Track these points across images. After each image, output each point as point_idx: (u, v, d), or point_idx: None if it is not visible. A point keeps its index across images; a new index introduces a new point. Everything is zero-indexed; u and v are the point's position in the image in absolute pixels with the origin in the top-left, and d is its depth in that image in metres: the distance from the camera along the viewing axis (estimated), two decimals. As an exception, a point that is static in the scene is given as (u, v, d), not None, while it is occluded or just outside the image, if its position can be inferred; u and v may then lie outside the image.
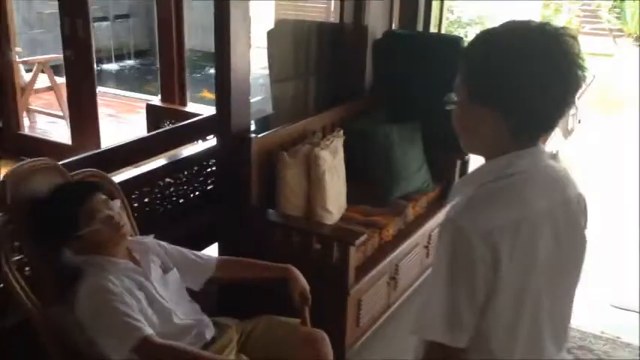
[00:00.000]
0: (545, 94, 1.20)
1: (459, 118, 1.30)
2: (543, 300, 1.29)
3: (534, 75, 1.18)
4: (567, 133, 5.52)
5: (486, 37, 1.26)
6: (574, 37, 1.20)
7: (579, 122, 6.07)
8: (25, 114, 5.07)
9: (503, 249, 1.19)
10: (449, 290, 1.21)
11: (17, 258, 2.09)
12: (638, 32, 10.05)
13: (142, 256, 2.11)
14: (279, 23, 3.78)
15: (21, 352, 2.19)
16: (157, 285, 2.06)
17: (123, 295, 1.91)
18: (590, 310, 3.29)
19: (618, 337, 3.23)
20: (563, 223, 1.29)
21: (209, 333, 2.13)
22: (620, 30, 10.22)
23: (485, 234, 1.18)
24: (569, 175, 1.35)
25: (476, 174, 1.31)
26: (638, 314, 3.44)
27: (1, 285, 2.07)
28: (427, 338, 1.25)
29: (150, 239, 2.18)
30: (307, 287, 2.22)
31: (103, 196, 2.03)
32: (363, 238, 2.75)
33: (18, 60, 4.91)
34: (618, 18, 10.25)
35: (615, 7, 10.29)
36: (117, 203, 2.06)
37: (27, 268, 2.13)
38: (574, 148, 5.67)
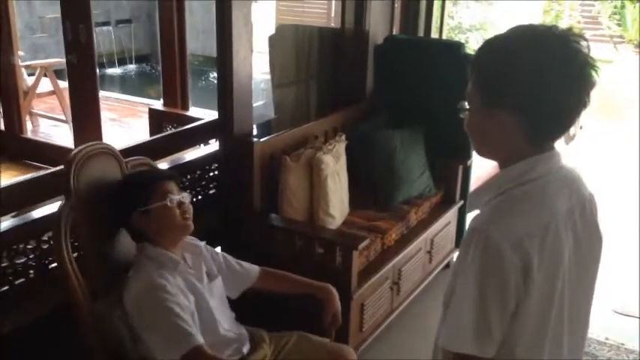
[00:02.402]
0: (563, 94, 1.20)
1: (473, 125, 1.29)
2: (566, 302, 1.29)
3: (550, 75, 1.18)
4: (569, 138, 5.51)
5: (497, 42, 1.26)
6: (583, 38, 1.21)
7: (581, 128, 6.07)
8: (27, 118, 5.07)
9: (533, 256, 1.19)
10: (479, 302, 1.19)
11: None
12: (638, 39, 10.06)
13: (195, 259, 2.09)
14: (281, 28, 3.79)
15: (25, 355, 2.17)
16: (206, 292, 2.04)
17: (178, 296, 1.89)
18: (594, 317, 3.27)
19: (622, 344, 3.23)
20: (581, 223, 1.30)
21: (245, 348, 2.12)
22: (620, 36, 10.22)
23: (516, 242, 1.17)
24: (581, 176, 1.36)
25: (495, 181, 1.30)
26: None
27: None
28: (458, 351, 1.22)
29: (201, 244, 2.15)
30: (340, 309, 2.23)
31: (177, 186, 2.05)
32: (365, 243, 2.75)
33: (21, 64, 4.91)
34: (619, 25, 10.26)
35: (616, 14, 10.29)
36: (188, 197, 2.05)
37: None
38: (576, 153, 5.66)
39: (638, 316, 3.49)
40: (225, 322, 2.09)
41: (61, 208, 1.96)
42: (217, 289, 2.12)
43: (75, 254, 2.02)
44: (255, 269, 2.27)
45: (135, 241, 2.03)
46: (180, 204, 2.00)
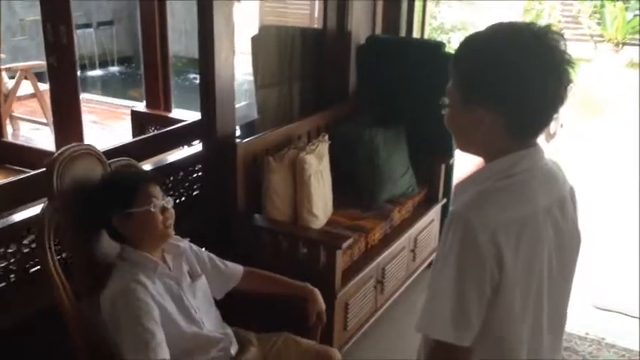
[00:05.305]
0: (540, 90, 1.22)
1: (453, 121, 1.31)
2: (545, 297, 1.30)
3: (528, 72, 1.20)
4: (550, 136, 5.57)
5: (476, 39, 1.28)
6: (560, 35, 1.23)
7: (561, 126, 6.14)
8: (8, 121, 5.03)
9: (506, 248, 1.20)
10: (457, 286, 1.20)
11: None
12: (618, 37, 10.18)
13: (175, 260, 2.06)
14: (264, 29, 3.79)
15: (25, 350, 2.16)
16: (186, 293, 2.02)
17: (150, 306, 1.85)
18: (575, 312, 3.31)
19: (603, 339, 3.27)
20: (562, 219, 1.31)
21: (233, 349, 2.11)
22: (600, 35, 10.35)
23: (491, 231, 1.19)
24: (562, 171, 1.38)
25: (477, 176, 1.31)
26: (638, 318, 3.47)
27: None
28: (433, 336, 1.24)
29: (185, 243, 2.12)
30: (324, 308, 2.24)
31: (161, 191, 2.02)
32: (349, 242, 2.76)
33: (1, 67, 4.88)
34: (599, 24, 10.38)
35: (596, 13, 10.42)
36: (171, 202, 2.02)
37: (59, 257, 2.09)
38: (556, 151, 5.73)
39: (618, 311, 3.54)
40: (210, 321, 2.08)
41: (44, 210, 1.95)
42: (200, 288, 2.10)
43: (58, 257, 2.00)
44: (239, 269, 2.27)
45: (114, 241, 2.01)
46: (164, 209, 1.97)
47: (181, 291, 2.01)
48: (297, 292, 2.26)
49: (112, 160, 2.15)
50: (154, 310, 1.86)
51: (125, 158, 2.23)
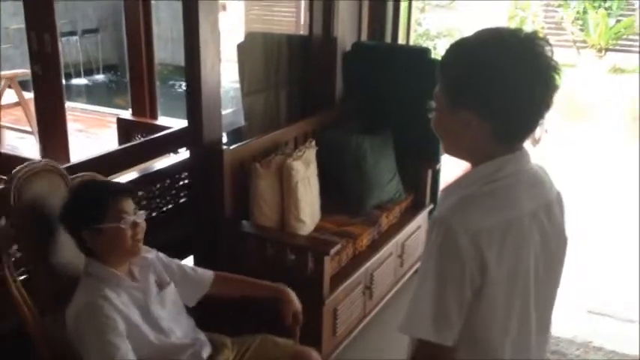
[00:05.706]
0: (525, 96, 1.22)
1: (440, 125, 1.31)
2: (532, 301, 1.31)
3: (513, 77, 1.21)
4: (535, 142, 5.61)
5: (463, 44, 1.28)
6: (546, 41, 1.24)
7: (546, 132, 6.19)
8: (-8, 130, 5.00)
9: (489, 251, 1.21)
10: (437, 288, 1.21)
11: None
12: (600, 43, 10.28)
13: (142, 272, 2.04)
14: (249, 36, 3.80)
15: (19, 357, 2.15)
16: (154, 303, 2.01)
17: (116, 321, 1.84)
18: (562, 315, 3.33)
19: (590, 342, 3.28)
20: (548, 223, 1.32)
21: (205, 352, 2.09)
22: (583, 41, 10.44)
23: (472, 235, 1.20)
24: (549, 176, 1.38)
25: (465, 179, 1.32)
26: (625, 321, 3.49)
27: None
28: (416, 336, 1.26)
29: (152, 253, 2.11)
30: (300, 308, 2.22)
31: (134, 204, 1.99)
32: (337, 248, 2.76)
33: (-16, 75, 4.85)
34: (582, 30, 10.47)
35: (579, 19, 10.51)
36: (143, 216, 2.00)
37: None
38: (542, 156, 5.76)
39: (606, 314, 3.56)
40: (180, 330, 2.06)
41: (1, 228, 1.94)
42: (169, 297, 2.08)
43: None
44: (209, 274, 2.24)
45: (82, 253, 1.99)
46: (135, 224, 1.95)
47: (148, 302, 1.99)
48: (270, 293, 2.24)
49: (74, 176, 2.14)
50: (119, 325, 1.85)
51: (89, 173, 2.21)
